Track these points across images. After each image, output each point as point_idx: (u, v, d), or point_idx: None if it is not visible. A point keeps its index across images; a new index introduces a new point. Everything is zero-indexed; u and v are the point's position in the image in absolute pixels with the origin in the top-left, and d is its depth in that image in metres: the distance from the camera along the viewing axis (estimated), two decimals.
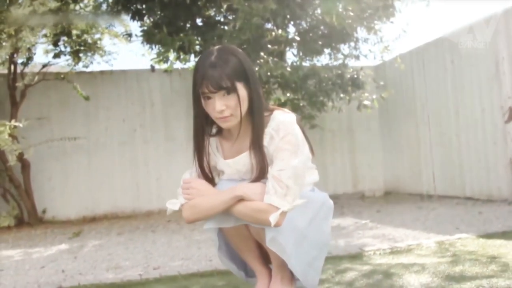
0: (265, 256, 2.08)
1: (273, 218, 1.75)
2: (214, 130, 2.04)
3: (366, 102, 6.49)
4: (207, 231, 1.98)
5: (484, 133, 5.89)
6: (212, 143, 2.03)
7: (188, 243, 4.34)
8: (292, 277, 2.02)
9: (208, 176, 1.99)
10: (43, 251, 4.41)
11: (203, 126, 1.96)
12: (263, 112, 1.89)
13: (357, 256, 3.19)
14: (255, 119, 1.88)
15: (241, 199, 1.81)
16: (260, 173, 1.86)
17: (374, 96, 6.76)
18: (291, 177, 1.78)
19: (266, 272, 2.07)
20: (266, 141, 1.87)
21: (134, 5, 5.86)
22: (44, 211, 6.69)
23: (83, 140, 6.82)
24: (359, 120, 7.78)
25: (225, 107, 1.81)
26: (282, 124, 1.85)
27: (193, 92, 1.89)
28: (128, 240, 4.73)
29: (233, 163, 1.95)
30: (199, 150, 1.97)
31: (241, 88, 1.83)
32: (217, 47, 1.89)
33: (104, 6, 6.07)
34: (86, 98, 6.61)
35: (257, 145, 1.87)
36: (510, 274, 2.39)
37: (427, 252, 3.18)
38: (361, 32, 6.48)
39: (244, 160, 1.92)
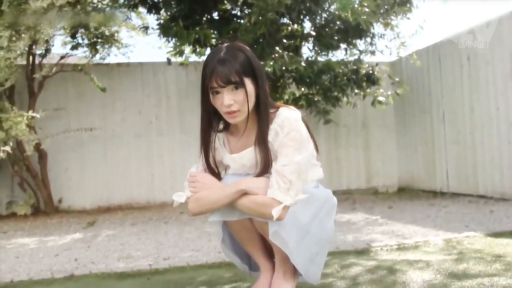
0: (269, 250, 2.12)
1: (275, 212, 1.79)
2: (221, 126, 2.08)
3: (380, 98, 6.49)
4: (212, 224, 2.03)
5: (499, 132, 5.84)
6: (219, 138, 2.08)
7: (199, 234, 4.40)
8: (294, 272, 2.06)
9: (214, 170, 2.04)
10: (58, 240, 4.50)
11: (211, 121, 2.01)
12: (268, 109, 1.94)
13: (364, 252, 3.21)
14: (261, 115, 1.93)
15: (245, 193, 1.86)
16: (264, 168, 1.90)
17: (389, 92, 6.75)
18: (294, 172, 1.82)
19: (270, 266, 2.12)
20: (271, 137, 1.91)
21: None
22: (60, 201, 6.82)
23: (99, 131, 6.93)
24: (374, 116, 7.76)
25: (233, 101, 1.87)
26: (287, 120, 1.89)
27: (201, 88, 1.94)
28: (141, 231, 4.81)
29: (239, 158, 2.00)
30: (206, 145, 2.02)
31: (248, 84, 1.88)
32: (226, 44, 1.95)
33: (121, 0, 6.13)
34: (103, 90, 6.70)
35: (262, 141, 1.91)
36: None
37: (434, 249, 3.20)
38: (377, 28, 6.48)
39: (249, 155, 1.97)
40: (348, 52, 6.72)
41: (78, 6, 5.55)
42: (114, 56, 7.06)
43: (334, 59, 6.56)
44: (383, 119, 7.87)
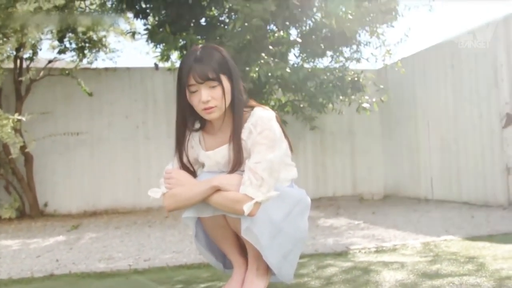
0: (242, 248, 2.15)
1: (246, 207, 1.83)
2: (198, 125, 2.13)
3: (365, 105, 6.54)
4: (186, 221, 2.06)
5: (482, 139, 5.93)
6: (195, 137, 2.12)
7: (181, 237, 4.42)
8: (267, 269, 2.10)
9: (189, 168, 2.08)
10: (41, 242, 4.51)
11: (185, 120, 2.06)
12: (243, 107, 2.00)
13: (341, 254, 3.25)
14: (235, 113, 1.98)
15: (218, 190, 1.89)
16: (236, 165, 1.95)
17: (374, 99, 6.81)
18: (266, 169, 1.87)
19: (243, 262, 2.15)
20: (245, 135, 1.96)
21: (139, 4, 5.95)
22: (45, 204, 6.81)
23: (86, 135, 6.95)
24: (360, 123, 7.83)
25: (210, 97, 1.92)
26: (260, 119, 1.94)
27: (177, 87, 1.99)
28: (124, 234, 4.82)
29: (213, 155, 2.05)
30: (180, 143, 2.06)
31: (225, 81, 1.95)
32: (200, 45, 2.00)
33: (108, 4, 6.17)
34: (90, 94, 6.73)
35: (236, 138, 1.96)
36: (483, 273, 2.45)
37: (411, 252, 3.24)
38: (363, 36, 6.54)
39: (223, 152, 2.02)
40: (334, 59, 6.78)
41: (66, 10, 5.56)
42: (101, 60, 7.07)
43: (320, 66, 6.62)
44: (369, 126, 7.94)
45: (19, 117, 5.56)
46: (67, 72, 6.71)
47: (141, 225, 5.48)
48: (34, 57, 6.33)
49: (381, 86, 6.90)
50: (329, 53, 6.71)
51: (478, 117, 5.97)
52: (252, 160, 1.89)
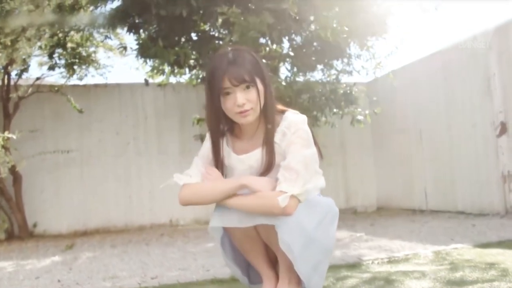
0: (272, 260, 2.08)
1: (281, 199, 1.75)
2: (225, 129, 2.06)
3: (359, 117, 6.54)
4: (212, 231, 1.98)
5: (476, 148, 5.96)
6: (224, 141, 2.05)
7: (183, 254, 4.32)
8: (299, 281, 2.02)
9: (222, 172, 2.01)
10: (36, 263, 4.35)
11: (219, 125, 1.99)
12: (275, 110, 1.94)
13: (355, 265, 3.19)
14: (268, 116, 1.92)
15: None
16: (267, 168, 1.90)
17: (367, 112, 6.81)
18: (300, 163, 1.82)
19: (273, 275, 2.07)
20: (278, 138, 1.91)
21: (131, 18, 5.89)
22: (35, 225, 6.62)
23: (76, 153, 6.80)
24: (352, 135, 7.82)
25: (246, 100, 1.86)
26: (293, 122, 1.91)
27: (208, 91, 1.92)
28: (122, 252, 4.69)
29: (247, 159, 1.98)
30: (217, 149, 1.99)
31: (259, 83, 1.89)
32: (230, 48, 1.94)
33: (101, 19, 6.09)
34: (80, 111, 6.59)
35: (269, 141, 1.91)
36: (510, 278, 2.41)
37: (424, 261, 3.20)
38: (354, 49, 6.56)
39: (256, 156, 1.95)
40: (326, 72, 6.78)
41: (56, 25, 5.47)
42: (91, 77, 6.95)
43: (312, 79, 6.61)
44: (360, 139, 7.94)
45: (9, 135, 5.42)
46: (56, 88, 6.58)
47: (137, 243, 5.35)
48: (24, 73, 6.20)
49: (374, 98, 6.92)
50: (319, 66, 6.72)
51: (471, 126, 6.00)
52: (286, 160, 1.84)
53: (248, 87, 1.87)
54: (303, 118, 1.94)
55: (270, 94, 1.93)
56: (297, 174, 1.80)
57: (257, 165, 1.96)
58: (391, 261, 3.28)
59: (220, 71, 1.85)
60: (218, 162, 2.00)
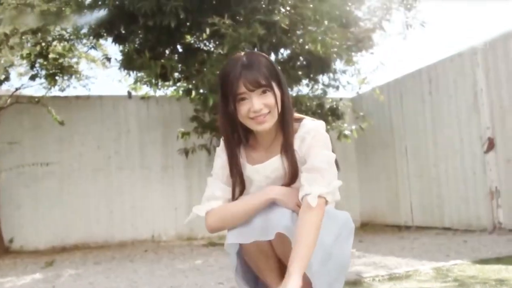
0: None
1: (311, 199, 1.67)
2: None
3: (346, 132, 6.49)
4: (228, 249, 1.85)
5: (463, 164, 5.96)
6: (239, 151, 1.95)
7: (171, 271, 4.16)
8: None
9: (243, 182, 1.89)
10: (16, 281, 4.15)
11: (234, 133, 1.87)
12: (293, 115, 1.85)
13: (356, 283, 3.10)
14: (286, 122, 1.82)
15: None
16: (293, 178, 1.80)
17: (354, 127, 6.78)
18: (324, 162, 1.75)
19: None
20: (297, 145, 1.82)
21: (117, 29, 5.76)
22: (11, 240, 6.36)
23: (55, 166, 6.58)
24: (336, 150, 7.66)
25: (263, 106, 1.75)
26: (312, 128, 1.82)
27: (221, 97, 1.81)
28: (107, 270, 4.51)
29: (263, 169, 1.86)
30: (234, 156, 1.87)
31: (276, 88, 1.79)
32: (243, 52, 1.84)
33: (85, 30, 5.94)
34: (61, 123, 6.39)
35: (288, 148, 1.81)
36: None
37: (426, 277, 3.13)
38: (339, 64, 6.54)
39: (274, 165, 1.84)
40: (311, 87, 6.74)
41: (39, 34, 5.31)
42: (73, 88, 6.77)
43: (299, 93, 6.56)
44: (344, 154, 7.89)
45: None
46: (36, 100, 6.38)
47: (121, 260, 5.16)
48: (5, 83, 5.99)
49: (361, 114, 6.90)
50: (304, 81, 6.67)
51: (459, 141, 6.01)
52: (308, 162, 1.76)
53: (264, 92, 1.76)
54: (322, 123, 1.85)
55: (287, 99, 1.83)
56: (322, 173, 1.72)
57: (275, 175, 1.85)
58: (392, 278, 3.19)
59: (234, 76, 1.74)
60: (238, 173, 1.87)
